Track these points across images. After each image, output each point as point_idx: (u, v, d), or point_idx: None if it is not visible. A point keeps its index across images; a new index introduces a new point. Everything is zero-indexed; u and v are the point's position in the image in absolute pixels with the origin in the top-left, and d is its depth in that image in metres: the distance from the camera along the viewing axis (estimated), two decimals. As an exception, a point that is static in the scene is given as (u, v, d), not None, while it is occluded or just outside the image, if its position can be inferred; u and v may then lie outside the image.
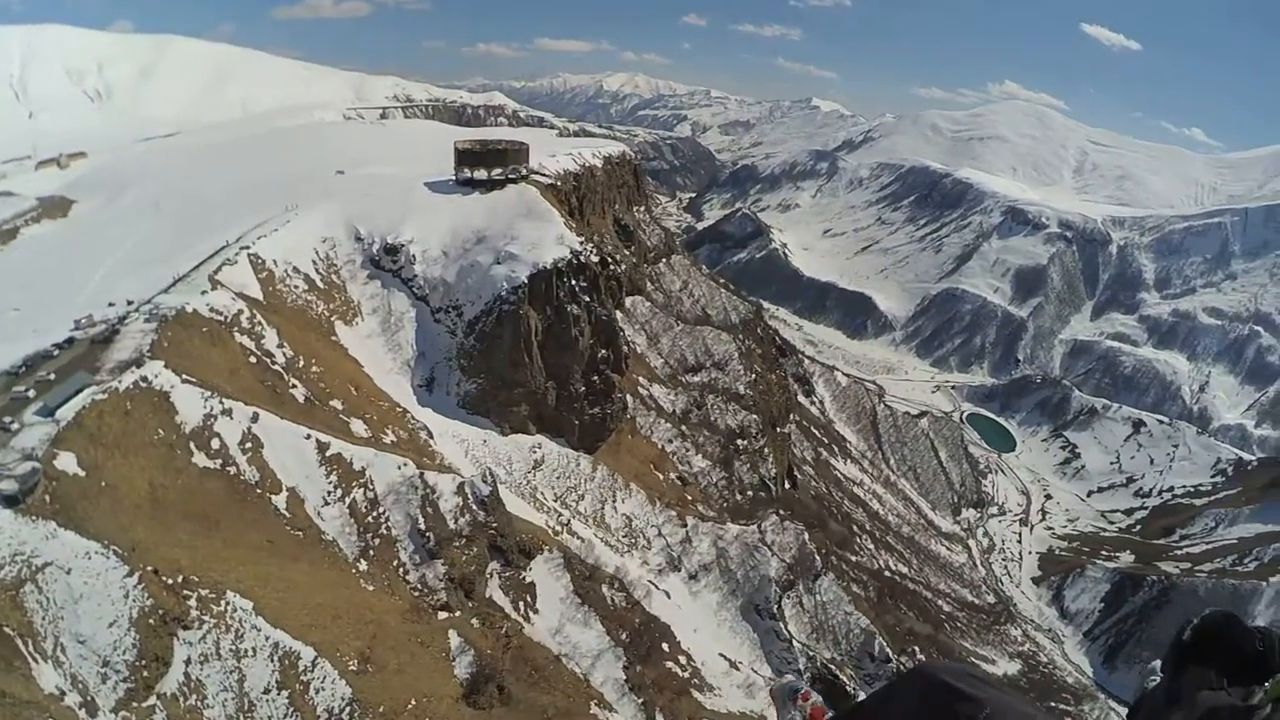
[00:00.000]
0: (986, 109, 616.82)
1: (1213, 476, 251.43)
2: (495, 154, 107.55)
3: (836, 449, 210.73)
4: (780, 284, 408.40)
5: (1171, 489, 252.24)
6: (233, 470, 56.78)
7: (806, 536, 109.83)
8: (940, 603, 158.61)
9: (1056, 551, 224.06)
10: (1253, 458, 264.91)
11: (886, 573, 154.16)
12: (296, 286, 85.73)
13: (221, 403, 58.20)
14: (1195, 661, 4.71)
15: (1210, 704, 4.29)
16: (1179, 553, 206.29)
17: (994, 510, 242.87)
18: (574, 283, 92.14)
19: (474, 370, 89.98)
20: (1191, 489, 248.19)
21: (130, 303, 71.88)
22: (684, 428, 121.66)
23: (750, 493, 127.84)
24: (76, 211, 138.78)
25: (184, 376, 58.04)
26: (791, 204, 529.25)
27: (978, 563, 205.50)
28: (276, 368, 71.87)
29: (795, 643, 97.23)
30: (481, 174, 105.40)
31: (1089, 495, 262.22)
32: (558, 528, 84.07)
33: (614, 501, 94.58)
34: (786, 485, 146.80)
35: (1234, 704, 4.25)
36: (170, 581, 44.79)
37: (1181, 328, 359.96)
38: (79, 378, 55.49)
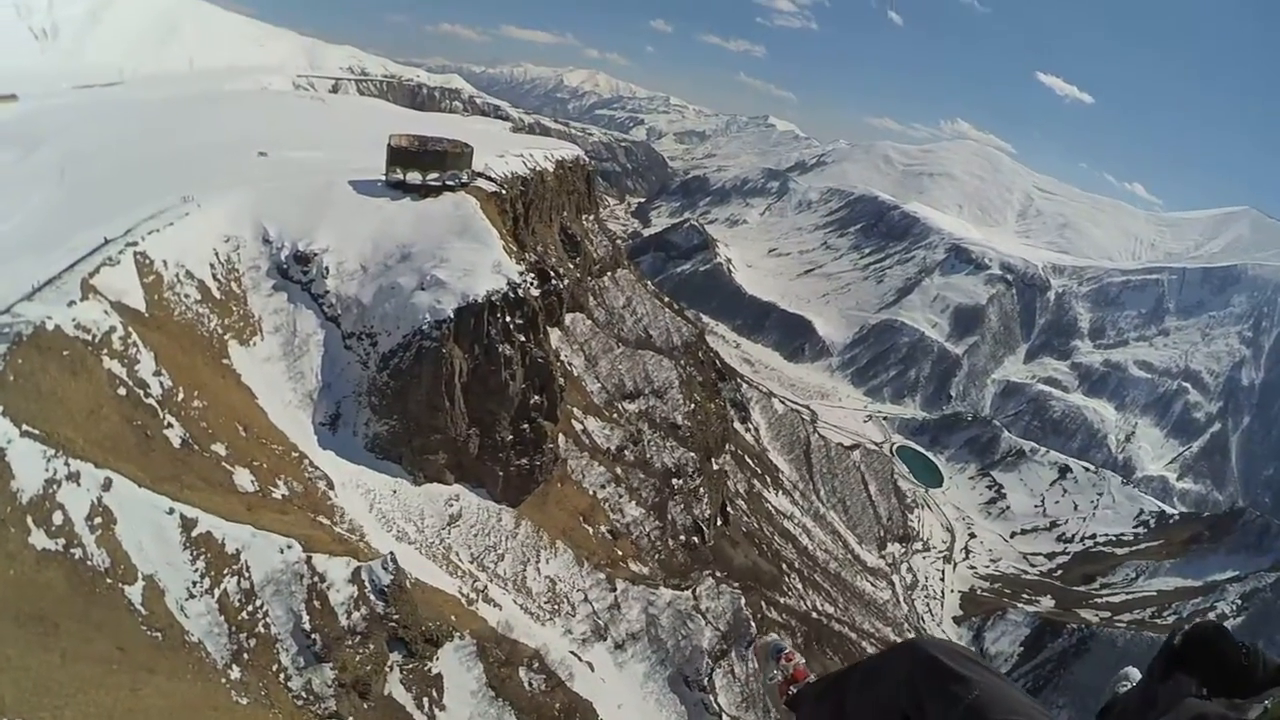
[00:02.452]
0: (938, 146, 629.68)
1: (1135, 527, 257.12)
2: (434, 155, 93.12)
3: (769, 479, 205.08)
4: (722, 299, 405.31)
5: (1094, 536, 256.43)
6: (78, 553, 44.86)
7: (743, 601, 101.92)
8: (864, 644, 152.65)
9: (979, 591, 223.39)
10: (1174, 511, 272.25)
11: (814, 614, 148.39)
12: (187, 296, 73.17)
13: (67, 463, 46.30)
14: (1181, 669, 4.65)
15: (1197, 711, 4.21)
16: (1099, 601, 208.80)
17: (919, 546, 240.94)
18: (508, 319, 79.35)
19: (386, 410, 77.55)
20: (1113, 538, 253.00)
21: (-15, 309, 60.08)
22: (618, 469, 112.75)
23: (683, 537, 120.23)
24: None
25: (25, 427, 46.13)
26: (740, 219, 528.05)
27: (901, 599, 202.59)
28: (150, 401, 59.80)
29: (725, 716, 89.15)
30: (415, 177, 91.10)
31: (1012, 536, 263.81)
32: (473, 595, 73.68)
33: (537, 562, 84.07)
34: (719, 522, 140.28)
35: (1224, 713, 4.14)
36: (-10, 730, 34.44)
37: (1112, 378, 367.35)
38: (-110, 431, 44.30)
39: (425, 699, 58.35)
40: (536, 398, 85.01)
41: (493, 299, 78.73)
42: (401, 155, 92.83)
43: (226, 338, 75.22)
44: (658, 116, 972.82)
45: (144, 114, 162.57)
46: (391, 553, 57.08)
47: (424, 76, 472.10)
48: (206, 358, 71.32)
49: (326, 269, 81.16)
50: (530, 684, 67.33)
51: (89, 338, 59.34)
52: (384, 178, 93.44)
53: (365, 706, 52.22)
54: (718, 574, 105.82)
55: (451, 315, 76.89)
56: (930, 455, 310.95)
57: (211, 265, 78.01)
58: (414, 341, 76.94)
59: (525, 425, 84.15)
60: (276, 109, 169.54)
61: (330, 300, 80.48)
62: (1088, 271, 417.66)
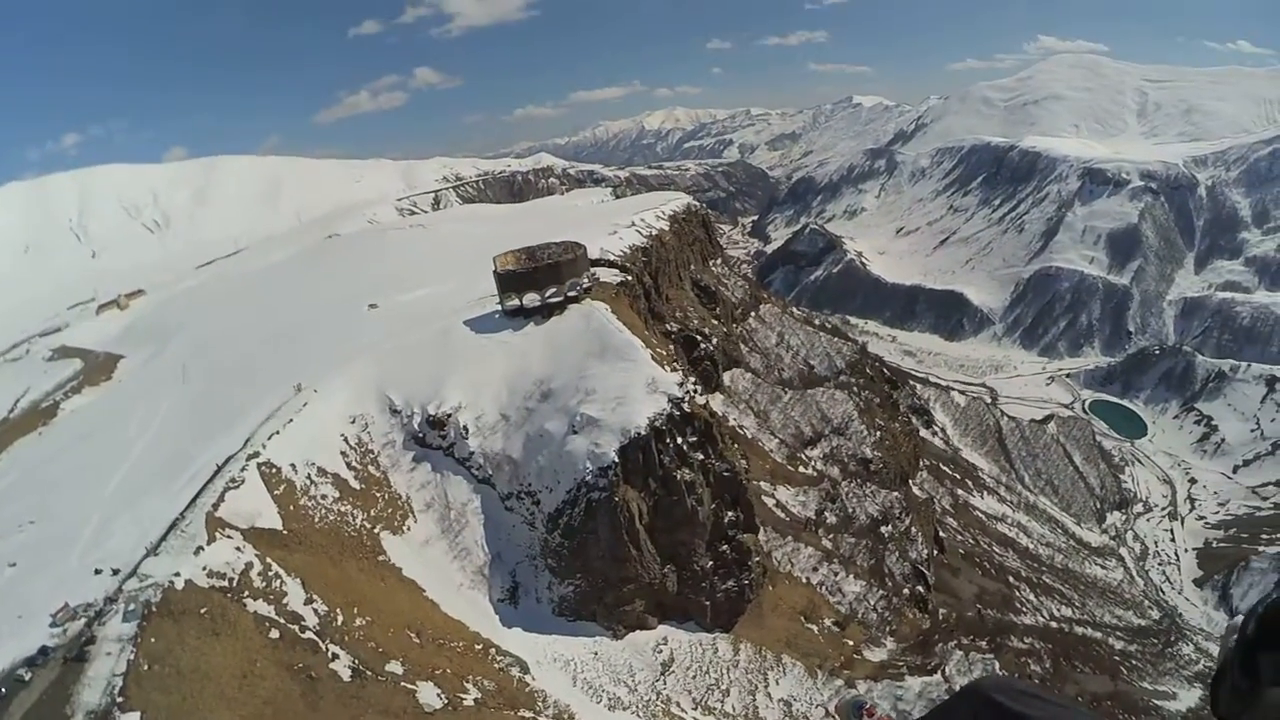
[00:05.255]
0: (1034, 70, 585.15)
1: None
2: (547, 270, 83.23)
3: (970, 482, 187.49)
4: (863, 295, 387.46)
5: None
6: None
7: (997, 665, 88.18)
8: (1111, 640, 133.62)
9: (1214, 544, 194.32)
10: None
11: (1054, 624, 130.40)
12: (325, 496, 66.56)
13: (223, 768, 39.43)
14: (1267, 649, 3.76)
15: None
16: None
17: (1139, 508, 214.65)
18: (680, 441, 68.83)
19: (567, 570, 67.92)
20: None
21: (115, 572, 54.85)
22: (825, 540, 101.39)
23: (908, 590, 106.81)
24: (121, 369, 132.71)
25: (170, 730, 39.58)
26: (857, 208, 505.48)
27: (1134, 574, 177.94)
28: (309, 635, 52.68)
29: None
30: (533, 299, 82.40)
31: (1235, 471, 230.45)
32: (706, 748, 63.35)
33: (766, 687, 72.29)
34: (936, 553, 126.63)
35: None
36: None
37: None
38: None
39: None
40: (730, 514, 73.77)
41: (656, 424, 68.02)
42: (512, 280, 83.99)
43: (376, 530, 67.70)
44: (744, 132, 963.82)
45: (259, 284, 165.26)
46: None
47: (515, 164, 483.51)
48: (360, 562, 63.89)
49: (465, 428, 72.79)
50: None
51: (226, 584, 52.35)
52: (500, 308, 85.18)
53: None
54: (963, 640, 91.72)
55: (615, 459, 66.27)
56: (1126, 403, 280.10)
57: (343, 453, 71.13)
58: (580, 496, 66.71)
59: (724, 547, 73.06)
60: (380, 247, 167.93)
61: (477, 461, 71.87)
62: (1230, 153, 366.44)
